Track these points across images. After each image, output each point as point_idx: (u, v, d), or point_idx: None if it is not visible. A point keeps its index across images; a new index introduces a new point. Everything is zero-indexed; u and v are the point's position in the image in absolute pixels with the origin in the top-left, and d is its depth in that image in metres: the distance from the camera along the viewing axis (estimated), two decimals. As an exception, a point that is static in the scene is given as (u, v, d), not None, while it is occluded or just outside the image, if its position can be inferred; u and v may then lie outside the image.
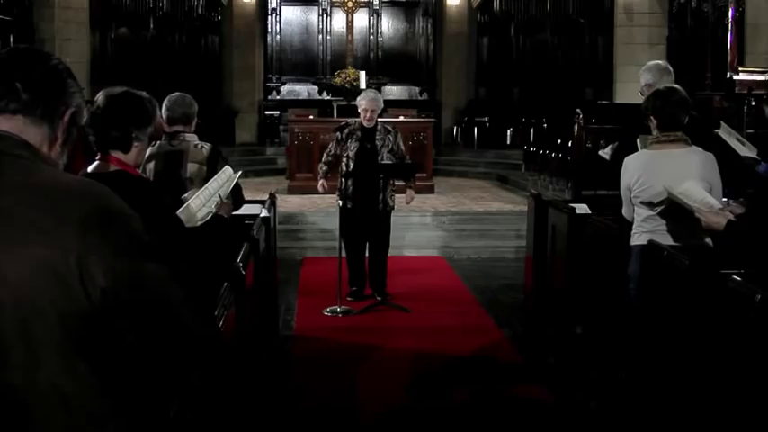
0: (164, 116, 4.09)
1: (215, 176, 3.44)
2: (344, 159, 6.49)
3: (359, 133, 6.50)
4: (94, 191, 1.41)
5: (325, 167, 6.75)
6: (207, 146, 4.09)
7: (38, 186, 1.37)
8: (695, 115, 4.27)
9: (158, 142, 4.12)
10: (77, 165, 2.61)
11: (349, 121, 6.74)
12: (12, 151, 1.41)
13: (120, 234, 1.37)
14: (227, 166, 3.55)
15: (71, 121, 1.52)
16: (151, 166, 4.05)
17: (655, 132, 3.72)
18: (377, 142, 6.48)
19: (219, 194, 3.31)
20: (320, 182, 6.73)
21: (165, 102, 4.10)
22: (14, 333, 1.32)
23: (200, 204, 3.21)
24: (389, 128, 6.73)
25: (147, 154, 4.07)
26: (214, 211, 3.22)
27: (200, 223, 3.15)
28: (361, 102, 6.52)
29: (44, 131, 1.48)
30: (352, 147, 6.48)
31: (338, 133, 6.60)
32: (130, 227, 1.40)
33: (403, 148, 6.77)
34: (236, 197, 3.82)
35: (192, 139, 4.09)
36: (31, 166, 1.41)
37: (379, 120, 6.59)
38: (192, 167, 3.98)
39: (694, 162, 3.64)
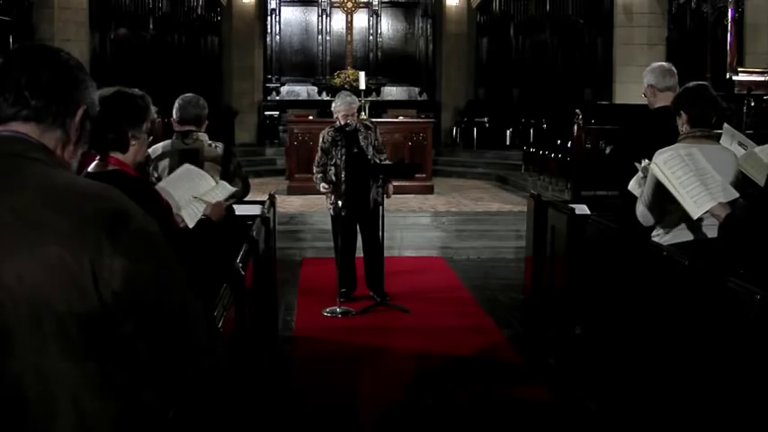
0: (175, 115, 4.20)
1: (175, 178, 3.45)
2: (332, 169, 6.40)
3: (342, 139, 6.38)
4: (109, 194, 1.41)
5: (320, 174, 6.49)
6: (220, 145, 4.22)
7: (54, 188, 1.38)
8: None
9: (170, 140, 4.18)
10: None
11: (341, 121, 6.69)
12: (28, 154, 1.42)
13: (133, 237, 1.37)
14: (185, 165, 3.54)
15: (84, 117, 1.52)
16: (165, 163, 4.11)
17: (685, 128, 3.72)
18: (362, 143, 6.41)
19: (199, 197, 3.31)
20: (321, 185, 6.48)
21: (179, 101, 4.21)
22: (28, 332, 1.32)
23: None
24: (368, 124, 6.69)
25: (160, 151, 4.14)
26: (200, 215, 3.22)
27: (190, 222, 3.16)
28: (340, 108, 6.33)
29: (58, 135, 1.49)
30: (339, 154, 6.38)
31: (322, 143, 6.47)
32: (145, 230, 1.40)
33: (380, 139, 6.68)
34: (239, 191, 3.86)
35: (205, 138, 4.19)
36: (47, 169, 1.42)
37: (357, 120, 6.49)
38: (207, 167, 4.04)
39: (727, 159, 3.67)
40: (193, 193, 3.33)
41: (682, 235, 3.65)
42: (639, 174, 3.84)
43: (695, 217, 3.43)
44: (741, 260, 3.15)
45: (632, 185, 3.92)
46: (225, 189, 3.56)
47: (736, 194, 3.44)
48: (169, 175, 3.47)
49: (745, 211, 3.36)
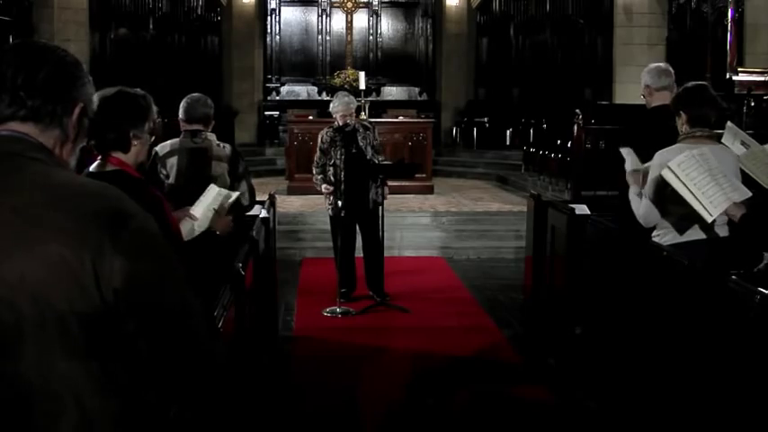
0: (183, 115, 4.19)
1: (204, 194, 3.42)
2: (331, 169, 6.40)
3: (340, 140, 6.38)
4: (109, 192, 1.41)
5: (320, 176, 6.50)
6: (228, 146, 4.22)
7: (54, 187, 1.38)
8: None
9: (178, 139, 4.18)
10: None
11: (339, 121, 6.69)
12: (28, 153, 1.42)
13: (133, 236, 1.37)
14: (212, 185, 3.53)
15: (82, 114, 1.51)
16: (173, 161, 4.11)
17: (685, 128, 3.73)
18: (361, 143, 6.41)
19: (213, 208, 3.30)
20: (323, 186, 6.49)
21: (186, 100, 4.22)
22: (31, 331, 1.33)
23: (198, 218, 3.22)
24: (367, 125, 6.70)
25: (168, 149, 4.14)
26: (206, 226, 3.21)
27: (196, 232, 3.15)
28: (338, 108, 6.32)
29: (56, 134, 1.48)
30: (338, 154, 6.37)
31: (320, 143, 6.49)
32: (145, 229, 1.41)
33: (379, 140, 6.71)
34: (238, 212, 3.83)
35: (213, 137, 4.19)
36: (48, 168, 1.42)
37: (355, 120, 6.50)
38: (216, 165, 4.05)
39: (729, 159, 3.68)
40: (212, 206, 3.31)
41: (685, 234, 3.65)
42: (630, 165, 3.86)
43: (711, 220, 3.42)
44: (745, 257, 3.16)
45: (630, 163, 3.94)
46: (230, 196, 3.51)
47: (749, 193, 3.44)
48: (197, 204, 3.39)
49: (755, 210, 3.37)
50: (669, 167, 3.47)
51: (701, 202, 3.39)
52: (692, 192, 3.41)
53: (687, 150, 3.51)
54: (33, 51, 1.48)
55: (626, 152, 3.98)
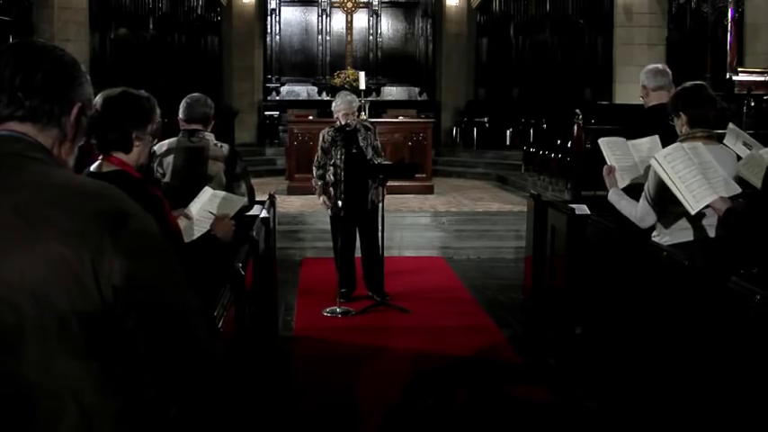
0: (182, 114, 4.21)
1: (198, 195, 3.43)
2: (331, 168, 6.41)
3: (341, 140, 6.38)
4: (109, 192, 1.42)
5: (321, 182, 6.49)
6: (225, 145, 4.22)
7: (54, 186, 1.39)
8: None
9: (176, 138, 4.19)
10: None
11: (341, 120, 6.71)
12: (28, 153, 1.42)
13: (133, 235, 1.38)
14: (206, 187, 3.53)
15: (80, 114, 1.52)
16: (170, 159, 4.13)
17: (684, 129, 3.72)
18: (361, 143, 6.41)
19: (211, 211, 3.29)
20: (322, 198, 6.49)
21: (186, 100, 4.24)
22: (32, 330, 1.33)
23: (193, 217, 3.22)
24: (368, 125, 6.70)
25: (165, 148, 4.15)
26: (205, 229, 3.20)
27: (195, 235, 3.15)
28: (341, 107, 6.32)
29: (55, 134, 1.48)
30: (339, 155, 6.38)
31: (322, 142, 6.50)
32: (145, 229, 1.41)
33: (379, 142, 6.69)
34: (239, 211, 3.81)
35: (211, 137, 4.20)
36: (47, 168, 1.42)
37: (357, 120, 6.50)
38: (212, 165, 4.05)
39: (727, 159, 3.67)
40: (208, 207, 3.30)
41: (682, 235, 3.65)
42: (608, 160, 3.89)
43: (693, 212, 3.42)
44: (741, 257, 3.16)
45: (606, 158, 3.93)
46: (233, 201, 3.49)
47: (739, 189, 3.43)
48: (192, 204, 3.39)
49: (744, 208, 3.36)
50: (656, 158, 3.47)
51: (683, 195, 3.39)
52: (675, 184, 3.41)
53: (685, 144, 3.51)
54: (31, 51, 1.48)
55: (603, 144, 4.00)
